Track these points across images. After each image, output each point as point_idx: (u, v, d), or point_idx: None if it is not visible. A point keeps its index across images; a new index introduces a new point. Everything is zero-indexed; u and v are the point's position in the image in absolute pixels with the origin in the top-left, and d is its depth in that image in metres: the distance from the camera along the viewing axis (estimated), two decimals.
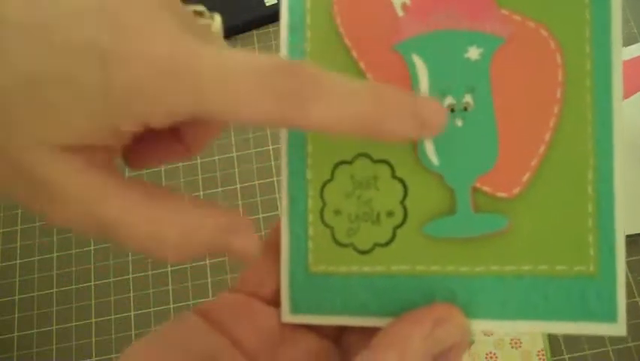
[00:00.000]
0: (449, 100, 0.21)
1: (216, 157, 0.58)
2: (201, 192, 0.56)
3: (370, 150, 0.22)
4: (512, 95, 0.20)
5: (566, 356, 0.48)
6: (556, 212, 0.20)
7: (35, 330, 0.53)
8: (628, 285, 0.49)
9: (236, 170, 0.57)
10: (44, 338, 0.52)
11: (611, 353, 0.47)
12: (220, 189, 0.56)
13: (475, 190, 0.21)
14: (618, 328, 0.19)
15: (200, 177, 0.57)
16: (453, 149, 0.21)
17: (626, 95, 0.53)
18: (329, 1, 0.22)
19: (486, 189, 0.21)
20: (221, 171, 0.57)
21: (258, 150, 0.58)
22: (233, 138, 0.58)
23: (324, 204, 0.22)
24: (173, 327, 0.21)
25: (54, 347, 0.52)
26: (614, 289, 0.19)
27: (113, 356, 0.51)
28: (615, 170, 0.20)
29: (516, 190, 0.20)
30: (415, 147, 0.21)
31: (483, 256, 0.20)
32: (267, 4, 0.61)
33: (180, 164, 0.57)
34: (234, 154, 0.57)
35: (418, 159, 0.21)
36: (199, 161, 0.58)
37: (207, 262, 0.54)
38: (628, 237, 0.51)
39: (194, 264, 0.54)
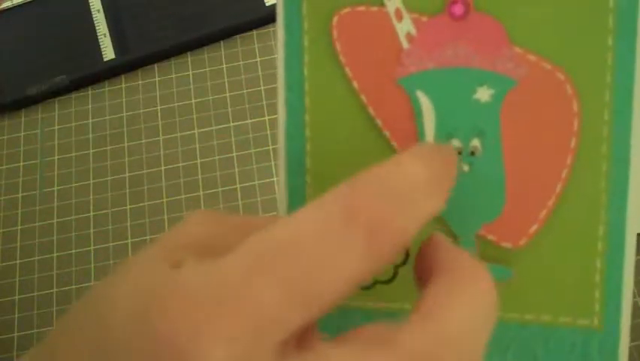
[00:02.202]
0: (456, 143, 0.20)
1: (216, 157, 0.58)
2: (201, 192, 0.56)
3: None
4: (523, 141, 0.19)
5: None
6: (563, 266, 0.19)
7: (35, 330, 0.53)
8: None
9: (236, 170, 0.57)
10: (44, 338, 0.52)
11: None
12: (220, 189, 0.56)
13: (480, 238, 0.20)
14: None
15: (200, 177, 0.57)
16: (459, 195, 0.20)
17: None
18: (327, 26, 0.21)
19: (491, 237, 0.20)
20: (221, 171, 0.57)
21: (258, 150, 0.57)
22: (233, 138, 0.58)
23: None
24: None
25: None
26: (617, 345, 0.19)
27: None
28: (628, 227, 0.19)
29: (522, 241, 0.20)
30: None
31: None
32: (267, 4, 0.61)
33: (180, 164, 0.58)
34: (234, 154, 0.57)
35: None
36: (199, 161, 0.58)
37: None
38: None
39: None
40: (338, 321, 0.21)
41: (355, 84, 0.21)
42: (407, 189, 0.15)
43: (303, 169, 0.22)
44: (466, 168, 0.20)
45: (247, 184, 0.56)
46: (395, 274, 0.21)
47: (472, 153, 0.20)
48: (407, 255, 0.21)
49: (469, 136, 0.20)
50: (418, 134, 0.20)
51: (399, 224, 0.15)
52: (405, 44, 0.20)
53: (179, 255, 0.16)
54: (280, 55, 0.21)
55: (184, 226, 0.18)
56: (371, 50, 0.20)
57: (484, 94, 0.19)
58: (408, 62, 0.20)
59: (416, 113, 0.20)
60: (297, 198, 0.22)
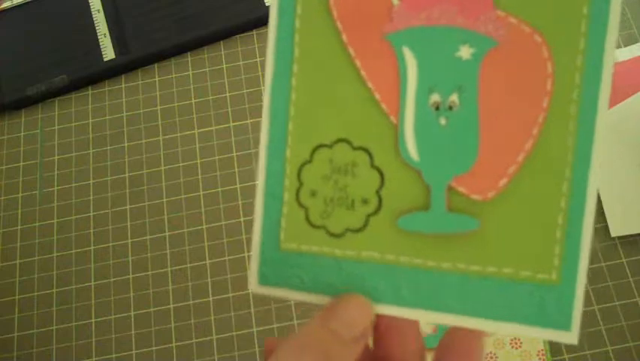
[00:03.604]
0: (435, 97, 0.21)
1: (216, 157, 0.58)
2: (201, 192, 0.56)
3: (352, 135, 0.22)
4: (498, 99, 0.20)
5: (566, 356, 0.48)
6: (528, 219, 0.20)
7: (35, 330, 0.53)
8: (628, 285, 0.49)
9: (236, 170, 0.57)
10: (44, 338, 0.52)
11: (611, 353, 0.47)
12: (220, 189, 0.56)
13: (451, 190, 0.21)
14: (571, 336, 0.20)
15: (200, 177, 0.57)
16: (434, 147, 0.21)
17: (626, 96, 0.53)
18: None
19: (461, 189, 0.21)
20: (221, 171, 0.57)
21: (258, 150, 0.57)
22: (233, 138, 0.58)
23: (301, 184, 0.22)
24: None
25: (54, 347, 0.52)
26: (572, 300, 0.20)
27: (113, 356, 0.51)
28: (589, 186, 0.20)
29: (491, 194, 0.21)
30: (396, 139, 0.21)
31: (451, 253, 0.21)
32: (267, 4, 0.61)
33: (180, 164, 0.58)
34: (234, 154, 0.57)
35: (398, 151, 0.21)
36: (199, 161, 0.58)
37: (207, 262, 0.54)
38: (628, 237, 0.51)
39: (194, 264, 0.54)
40: (311, 269, 0.22)
41: (344, 37, 0.22)
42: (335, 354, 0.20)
43: (286, 117, 0.23)
44: (443, 121, 0.21)
45: (247, 184, 0.56)
46: (366, 223, 0.22)
47: (450, 108, 0.21)
48: (380, 204, 0.22)
49: (448, 91, 0.21)
50: (401, 88, 0.21)
51: None
52: (395, 1, 0.21)
53: None
54: (274, 6, 0.22)
55: None
56: (362, 6, 0.22)
57: (465, 52, 0.21)
58: (397, 18, 0.21)
59: (400, 68, 0.21)
60: (277, 145, 0.23)
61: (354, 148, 0.22)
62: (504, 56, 0.20)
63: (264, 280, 0.23)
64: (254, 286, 0.23)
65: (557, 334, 0.20)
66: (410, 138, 0.21)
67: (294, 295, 0.22)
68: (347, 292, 0.22)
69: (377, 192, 0.22)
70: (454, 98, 0.21)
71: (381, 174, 0.22)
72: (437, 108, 0.21)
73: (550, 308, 0.20)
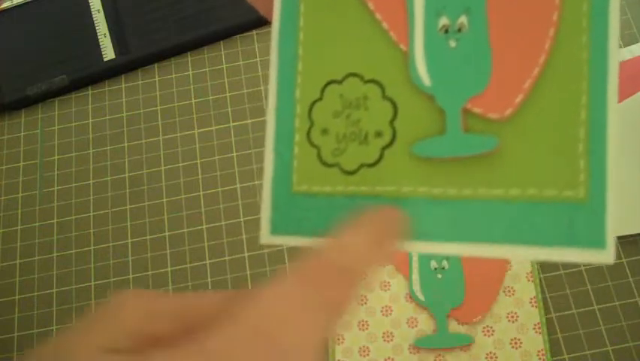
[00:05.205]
0: (444, 20, 0.21)
1: (216, 157, 0.58)
2: (201, 192, 0.56)
3: (362, 69, 0.21)
4: (507, 16, 0.20)
5: (566, 356, 0.47)
6: (548, 136, 0.19)
7: (35, 330, 0.53)
8: (628, 285, 0.49)
9: (236, 170, 0.57)
10: (44, 338, 0.52)
11: (610, 353, 0.47)
12: (220, 189, 0.56)
13: (466, 112, 0.20)
14: (606, 255, 0.18)
15: (200, 177, 0.57)
16: (445, 70, 0.20)
17: (627, 95, 0.53)
18: None
19: (477, 110, 0.20)
20: (221, 171, 0.57)
21: (258, 150, 0.57)
22: (233, 138, 0.58)
23: (312, 123, 0.22)
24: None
25: None
26: (604, 216, 0.18)
27: None
28: (609, 97, 0.19)
29: (508, 112, 0.20)
30: (407, 67, 0.21)
31: (471, 178, 0.20)
32: None
33: (180, 163, 0.58)
34: (234, 154, 0.57)
35: (409, 79, 0.21)
36: (199, 161, 0.58)
37: (207, 262, 0.54)
38: (628, 237, 0.51)
39: (194, 264, 0.54)
40: (324, 211, 0.21)
41: None
42: (353, 265, 0.18)
43: (295, 58, 0.22)
44: (453, 44, 0.21)
45: (247, 184, 0.56)
46: (381, 156, 0.21)
47: (459, 30, 0.20)
48: (394, 135, 0.21)
49: (456, 13, 0.20)
50: (408, 15, 0.21)
51: (349, 296, 0.18)
52: None
53: (121, 344, 0.17)
54: None
55: (119, 311, 0.18)
56: None
57: None
58: None
59: None
60: (287, 87, 0.22)
61: (365, 81, 0.21)
62: None
63: (275, 229, 0.22)
64: (266, 236, 0.22)
65: (591, 253, 0.18)
66: (421, 62, 0.21)
67: (307, 242, 0.21)
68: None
69: (391, 123, 0.21)
70: (463, 19, 0.20)
71: (394, 105, 0.21)
72: (446, 31, 0.21)
73: (581, 227, 0.19)
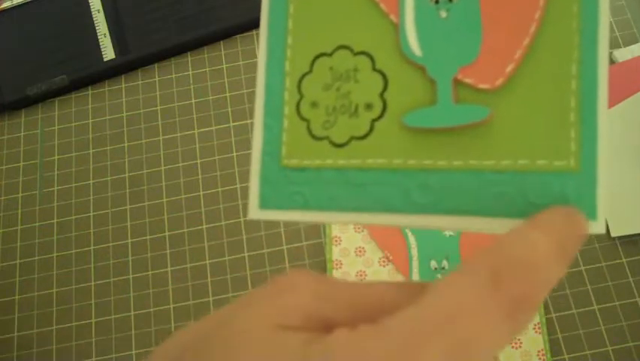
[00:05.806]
0: None
1: (216, 157, 0.58)
2: (201, 192, 0.56)
3: (351, 41, 0.21)
4: None
5: (566, 356, 0.48)
6: (539, 105, 0.19)
7: (35, 330, 0.53)
8: (628, 285, 0.49)
9: (236, 170, 0.57)
10: (44, 338, 0.52)
11: (611, 353, 0.47)
12: (220, 189, 0.56)
13: (457, 82, 0.20)
14: (597, 226, 0.18)
15: (200, 177, 0.57)
16: (436, 40, 0.20)
17: (626, 96, 0.53)
18: None
19: (468, 80, 0.20)
20: (221, 171, 0.57)
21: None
22: (233, 138, 0.58)
23: (302, 96, 0.22)
24: None
25: (54, 347, 0.52)
26: (595, 186, 0.18)
27: (113, 356, 0.51)
28: (600, 67, 0.19)
29: (499, 82, 0.20)
30: (398, 38, 0.21)
31: (462, 149, 0.20)
32: None
33: (180, 163, 0.58)
34: (234, 154, 0.57)
35: (399, 50, 0.21)
36: (199, 161, 0.58)
37: (207, 262, 0.54)
38: (628, 237, 0.51)
39: (194, 264, 0.54)
40: (314, 185, 0.21)
41: None
42: (542, 264, 0.17)
43: (285, 31, 0.22)
44: (443, 14, 0.21)
45: (247, 184, 0.56)
46: (371, 128, 0.21)
47: (450, 0, 0.20)
48: (384, 108, 0.21)
49: None
50: None
51: (538, 299, 0.16)
52: None
53: (292, 323, 0.17)
54: None
55: (293, 289, 0.18)
56: None
57: None
58: None
59: None
60: (276, 60, 0.22)
61: (355, 53, 0.21)
62: None
63: (264, 203, 0.22)
64: (254, 211, 0.22)
65: None
66: (411, 33, 0.21)
67: (296, 216, 0.21)
68: (356, 204, 0.20)
69: (381, 95, 0.21)
70: None
71: (384, 77, 0.21)
72: (437, 2, 0.21)
73: (572, 197, 0.19)
